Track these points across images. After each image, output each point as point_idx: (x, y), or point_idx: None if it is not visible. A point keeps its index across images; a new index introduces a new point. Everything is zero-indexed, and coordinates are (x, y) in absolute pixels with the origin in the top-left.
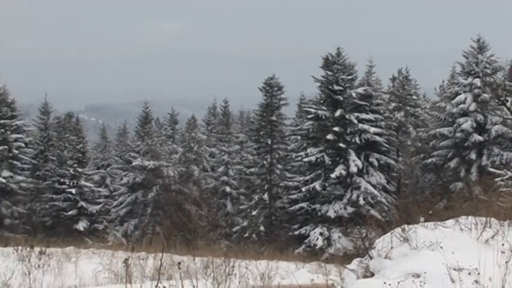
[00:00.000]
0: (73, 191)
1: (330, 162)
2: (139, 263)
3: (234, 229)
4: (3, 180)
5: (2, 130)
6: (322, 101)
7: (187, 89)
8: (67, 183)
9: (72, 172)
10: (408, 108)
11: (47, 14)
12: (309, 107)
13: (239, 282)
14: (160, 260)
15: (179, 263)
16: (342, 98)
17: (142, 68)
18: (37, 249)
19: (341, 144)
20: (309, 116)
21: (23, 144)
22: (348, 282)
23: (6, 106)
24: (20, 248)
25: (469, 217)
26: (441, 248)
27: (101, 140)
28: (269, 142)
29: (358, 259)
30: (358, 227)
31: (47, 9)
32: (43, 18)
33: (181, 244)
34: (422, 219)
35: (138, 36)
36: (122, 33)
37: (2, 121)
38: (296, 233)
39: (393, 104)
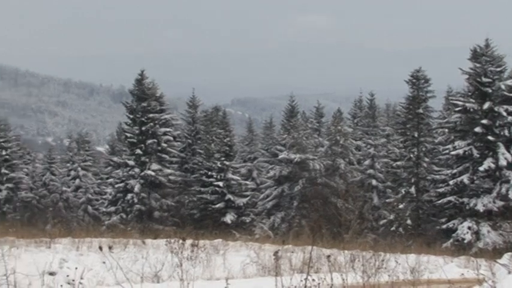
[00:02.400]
0: (220, 184)
1: (478, 156)
2: (287, 256)
3: (381, 222)
4: (153, 173)
5: (151, 124)
6: (470, 94)
7: (333, 82)
8: (214, 176)
9: (219, 165)
10: None
11: (193, 8)
12: (456, 100)
13: (389, 276)
14: (310, 253)
15: (328, 256)
16: (490, 91)
17: (288, 62)
18: (189, 241)
19: (490, 137)
20: (457, 109)
21: (171, 138)
22: (499, 277)
23: (155, 100)
24: (172, 240)
25: None
26: None
27: (248, 134)
28: (416, 135)
29: (510, 253)
30: (509, 221)
31: (192, 3)
32: (190, 13)
33: (328, 237)
34: None
35: (284, 29)
36: (268, 27)
37: (151, 115)
38: (444, 226)
39: None
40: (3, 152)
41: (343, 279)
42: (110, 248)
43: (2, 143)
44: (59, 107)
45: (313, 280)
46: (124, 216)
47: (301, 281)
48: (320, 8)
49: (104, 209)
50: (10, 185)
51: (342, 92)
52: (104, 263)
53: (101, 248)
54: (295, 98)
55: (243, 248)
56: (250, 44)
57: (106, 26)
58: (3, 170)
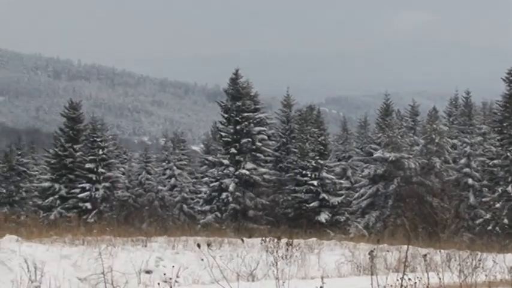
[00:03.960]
0: (315, 182)
1: None
2: (382, 255)
3: (477, 222)
4: (247, 172)
5: (246, 123)
6: None
7: (427, 81)
8: (309, 175)
9: (313, 164)
10: None
11: (286, 8)
12: None
13: (486, 276)
14: (406, 252)
15: (425, 255)
16: None
17: (383, 60)
18: (283, 240)
19: None
20: None
21: (265, 137)
22: None
23: (250, 99)
24: (267, 239)
25: None
26: None
27: (342, 132)
28: None
29: None
30: None
31: (286, 2)
32: (284, 13)
33: (423, 236)
34: None
35: (379, 27)
36: (362, 25)
37: (246, 114)
38: None
39: None
40: (100, 152)
41: (440, 279)
42: (209, 245)
43: (99, 143)
44: (154, 107)
45: (409, 279)
46: (219, 215)
47: (397, 280)
48: (415, 6)
49: (199, 208)
50: (107, 184)
51: (436, 90)
52: (202, 260)
53: (199, 246)
54: (390, 96)
55: (337, 247)
56: (344, 42)
57: (200, 26)
58: (100, 169)
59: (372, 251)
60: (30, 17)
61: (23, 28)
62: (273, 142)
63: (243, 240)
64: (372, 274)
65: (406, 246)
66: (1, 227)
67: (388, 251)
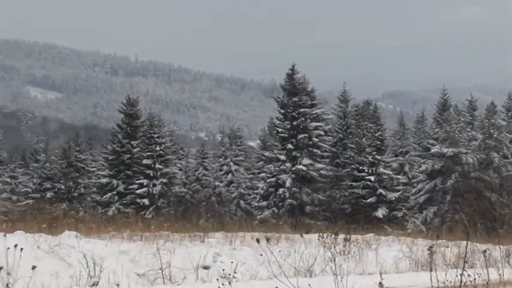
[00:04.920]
0: (372, 178)
1: None
2: (440, 251)
3: None
4: (304, 168)
5: (302, 119)
6: None
7: (485, 75)
8: (366, 170)
9: (370, 159)
10: None
11: (342, 3)
12: None
13: None
14: (466, 247)
15: (484, 251)
16: None
17: (440, 54)
18: (341, 236)
19: None
20: None
21: (322, 132)
22: None
23: (306, 95)
24: (324, 234)
25: None
26: None
27: (399, 127)
28: None
29: None
30: None
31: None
32: (339, 7)
33: (482, 232)
34: None
35: (435, 22)
36: (418, 20)
37: (302, 110)
38: None
39: None
40: (158, 148)
41: (500, 275)
42: (268, 240)
43: (157, 139)
44: (211, 102)
45: (469, 275)
46: (276, 210)
47: (456, 276)
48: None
49: (256, 204)
50: (164, 180)
51: (494, 85)
52: (261, 255)
53: (258, 241)
54: (448, 91)
55: (395, 243)
56: (400, 37)
57: (255, 22)
58: (157, 165)
59: (431, 247)
60: (87, 15)
61: (80, 25)
62: (330, 137)
63: (302, 235)
64: (430, 270)
65: (464, 242)
66: (60, 223)
67: (447, 246)
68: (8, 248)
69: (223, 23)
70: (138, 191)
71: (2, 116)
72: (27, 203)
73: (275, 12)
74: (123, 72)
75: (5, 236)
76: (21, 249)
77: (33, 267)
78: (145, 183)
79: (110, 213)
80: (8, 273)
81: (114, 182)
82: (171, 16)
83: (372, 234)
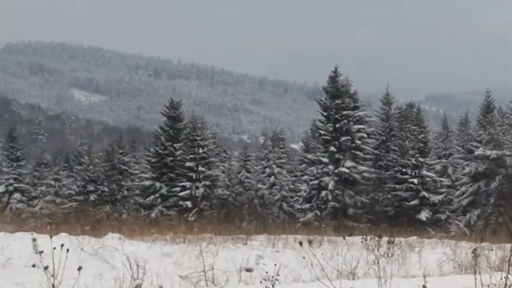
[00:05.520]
0: (415, 180)
1: None
2: (484, 254)
3: None
4: (347, 171)
5: (345, 121)
6: None
7: None
8: (409, 173)
9: (413, 162)
10: None
11: (383, 5)
12: None
13: None
14: (511, 250)
15: None
16: None
17: (484, 56)
18: (385, 238)
19: None
20: None
21: (365, 135)
22: None
23: (349, 97)
24: (367, 237)
25: None
26: None
27: (442, 130)
28: None
29: None
30: None
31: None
32: (381, 10)
33: None
34: None
35: (480, 23)
36: (463, 21)
37: (345, 112)
38: None
39: None
40: (201, 150)
41: None
42: (310, 243)
43: (199, 141)
44: (254, 105)
45: None
46: (318, 213)
47: (501, 279)
48: None
49: (299, 206)
50: (207, 183)
51: None
52: (304, 258)
53: (300, 244)
54: (492, 94)
55: (438, 246)
56: (445, 39)
57: (297, 25)
58: (200, 168)
59: (475, 250)
60: (131, 18)
61: (124, 28)
62: (373, 140)
63: (344, 238)
64: (475, 273)
65: (509, 244)
66: (103, 225)
67: (491, 249)
68: (54, 248)
69: (265, 25)
70: (180, 194)
71: (46, 119)
72: (70, 206)
73: (317, 13)
74: (166, 75)
75: (51, 237)
76: (68, 250)
77: (79, 268)
78: (188, 186)
79: (153, 215)
80: (53, 275)
81: (157, 184)
82: (213, 19)
83: (415, 237)
